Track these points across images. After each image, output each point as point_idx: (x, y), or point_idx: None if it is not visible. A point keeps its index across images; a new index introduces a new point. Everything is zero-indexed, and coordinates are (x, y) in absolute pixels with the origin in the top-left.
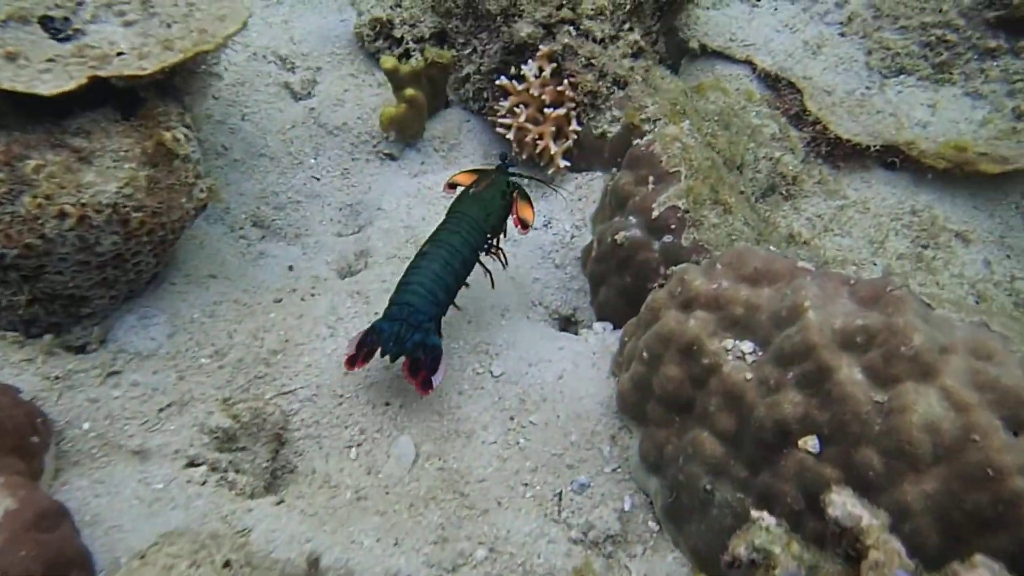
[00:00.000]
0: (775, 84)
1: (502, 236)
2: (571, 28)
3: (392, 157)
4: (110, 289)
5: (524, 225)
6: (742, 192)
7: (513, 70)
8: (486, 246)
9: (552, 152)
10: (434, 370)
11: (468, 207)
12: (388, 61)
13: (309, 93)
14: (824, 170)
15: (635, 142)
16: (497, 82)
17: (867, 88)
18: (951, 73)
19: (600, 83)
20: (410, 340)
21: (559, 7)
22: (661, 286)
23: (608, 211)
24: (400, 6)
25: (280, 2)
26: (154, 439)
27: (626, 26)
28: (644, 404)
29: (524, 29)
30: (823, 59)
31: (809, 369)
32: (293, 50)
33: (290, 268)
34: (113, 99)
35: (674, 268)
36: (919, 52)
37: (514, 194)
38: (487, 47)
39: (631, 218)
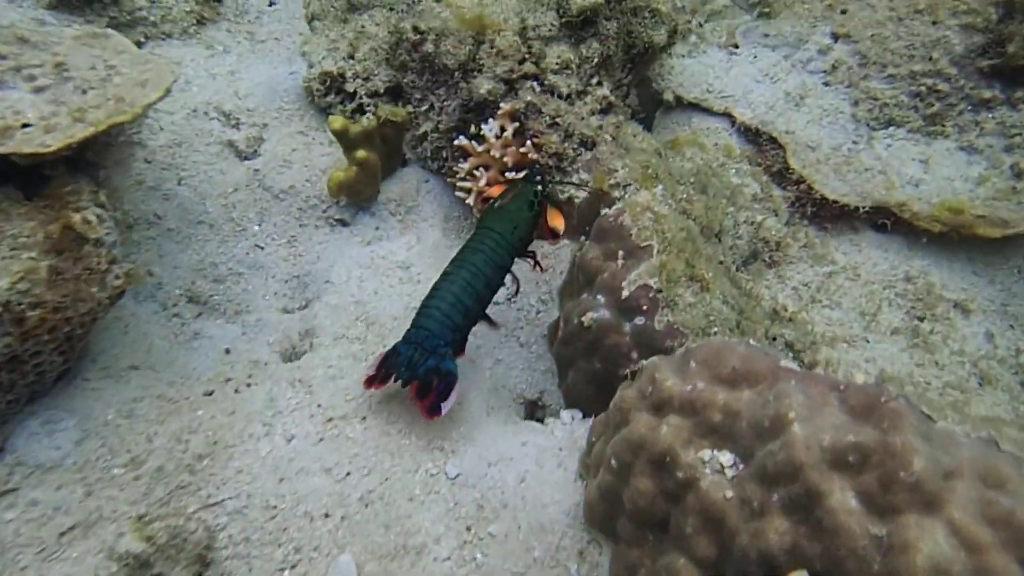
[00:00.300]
0: (756, 138)
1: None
2: (535, 84)
3: (343, 223)
4: (6, 394)
5: (554, 234)
6: (721, 262)
7: (473, 129)
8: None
9: None
10: (445, 396)
11: (493, 221)
12: (336, 121)
13: (255, 152)
14: (810, 232)
15: (603, 212)
16: (456, 142)
17: (854, 142)
18: (944, 125)
19: (566, 144)
20: (423, 365)
21: (521, 61)
22: (633, 374)
23: (576, 286)
24: (353, 58)
25: (227, 51)
26: (52, 570)
27: (594, 80)
28: (614, 518)
29: (484, 85)
30: (806, 111)
31: (797, 492)
32: (238, 105)
33: (227, 351)
34: (15, 176)
35: (644, 363)
36: (909, 103)
37: (543, 203)
38: (445, 104)
39: (599, 297)
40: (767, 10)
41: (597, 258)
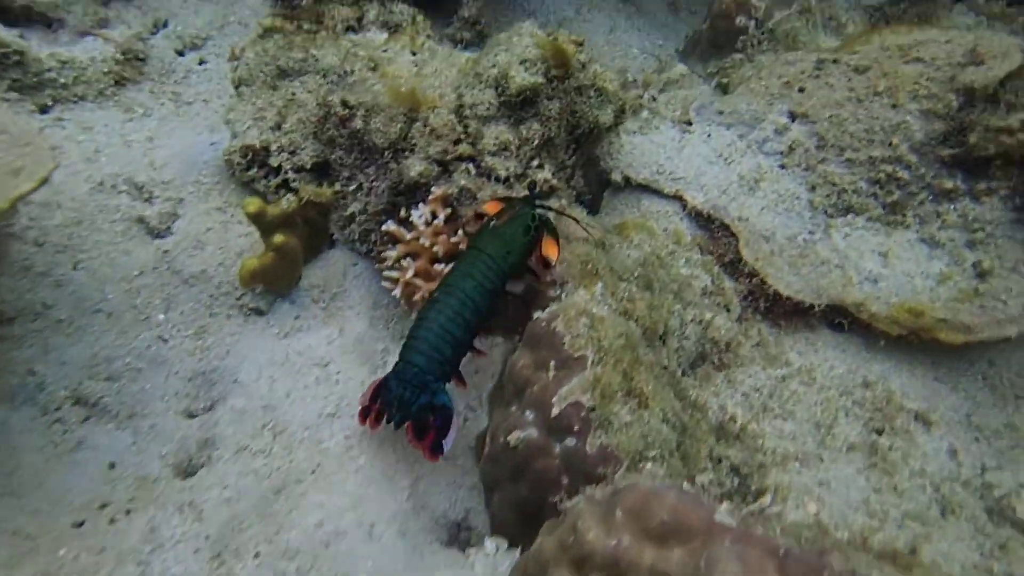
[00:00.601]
0: (708, 224)
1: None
2: (470, 166)
3: (259, 312)
4: None
5: (547, 264)
6: (665, 367)
7: (404, 212)
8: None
9: None
10: (444, 432)
11: (486, 243)
12: (251, 204)
13: (168, 229)
14: (763, 330)
15: (536, 315)
16: (383, 227)
17: (810, 232)
18: (904, 215)
19: None
20: (415, 404)
21: (456, 141)
22: (562, 501)
23: (505, 395)
24: (280, 128)
25: (148, 114)
26: None
27: (535, 162)
28: None
29: (415, 167)
30: (761, 196)
31: None
32: (152, 176)
33: (111, 466)
34: None
35: (568, 504)
36: (868, 190)
37: (539, 229)
38: (374, 184)
39: (527, 413)
40: (725, 80)
41: (527, 367)
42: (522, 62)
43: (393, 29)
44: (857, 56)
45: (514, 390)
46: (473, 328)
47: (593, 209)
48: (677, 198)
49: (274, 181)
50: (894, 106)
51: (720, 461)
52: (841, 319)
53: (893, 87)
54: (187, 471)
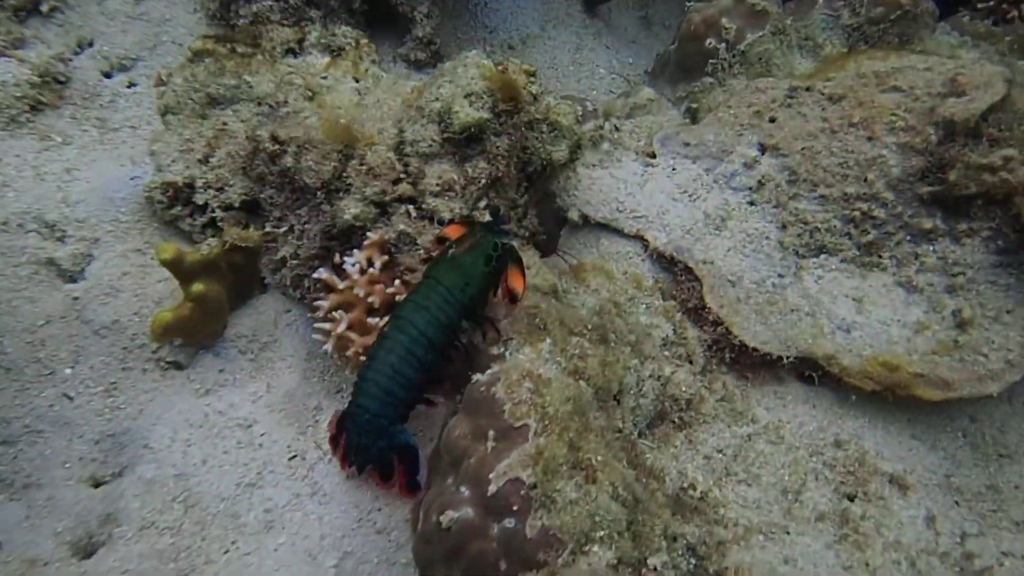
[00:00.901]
0: (671, 267)
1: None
2: (411, 208)
3: (178, 366)
4: None
5: (512, 299)
6: (620, 431)
7: (338, 258)
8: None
9: None
10: (415, 469)
11: (443, 274)
12: (165, 251)
13: (81, 272)
14: (729, 382)
15: (475, 378)
16: (315, 275)
17: (780, 275)
18: (880, 256)
19: None
20: (375, 449)
21: (396, 181)
22: None
23: (442, 465)
24: (208, 163)
25: (67, 142)
26: None
27: (482, 203)
28: None
29: (350, 209)
30: (728, 236)
31: None
32: (65, 214)
33: None
34: None
35: None
36: (842, 228)
37: (502, 259)
38: (306, 226)
39: (463, 489)
40: (695, 106)
41: (464, 436)
42: (467, 95)
43: (336, 52)
44: (831, 84)
45: (450, 461)
46: (428, 365)
47: (549, 250)
48: (639, 238)
49: (200, 220)
50: (870, 139)
51: (676, 539)
52: (812, 371)
53: (869, 118)
54: (86, 550)
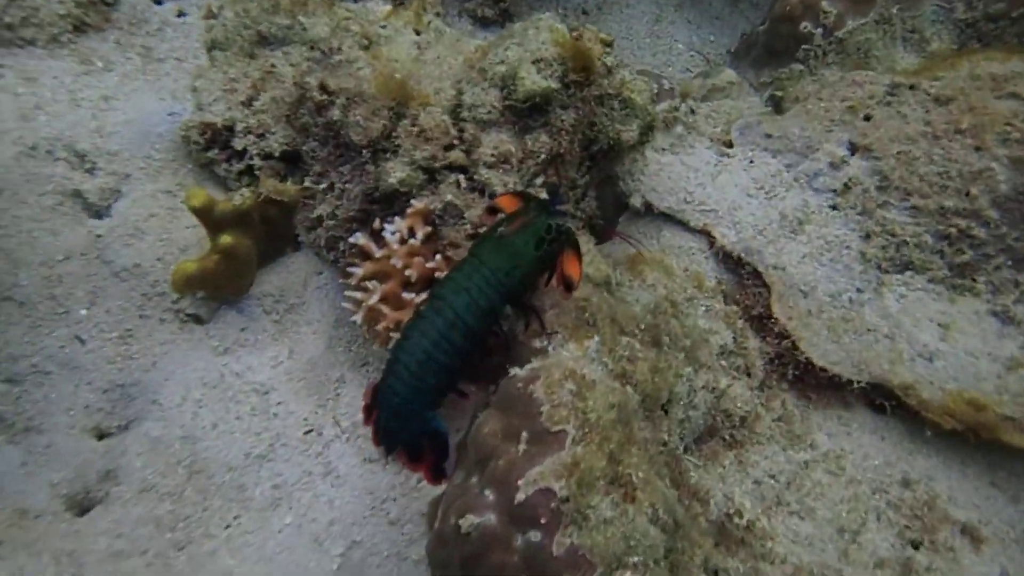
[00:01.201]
0: (737, 269)
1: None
2: (461, 177)
3: (198, 320)
4: None
5: (568, 286)
6: (665, 444)
7: (377, 223)
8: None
9: None
10: (443, 456)
11: (489, 254)
12: (195, 197)
13: (108, 208)
14: (788, 401)
15: (512, 372)
16: (351, 239)
17: (858, 290)
18: (974, 280)
19: None
20: (404, 434)
21: (448, 147)
22: None
23: (467, 461)
24: (251, 106)
25: (109, 69)
26: None
27: (539, 180)
28: None
29: (396, 173)
30: (804, 240)
31: None
32: (98, 145)
33: None
34: None
35: None
36: (933, 245)
37: (557, 242)
38: (348, 186)
39: (487, 493)
40: (780, 94)
41: (495, 434)
42: (535, 61)
43: (398, 0)
44: (939, 83)
45: (477, 458)
46: (464, 353)
47: (606, 235)
48: (705, 233)
49: (237, 166)
50: (978, 149)
51: (716, 574)
52: (884, 400)
53: (979, 126)
54: (82, 506)
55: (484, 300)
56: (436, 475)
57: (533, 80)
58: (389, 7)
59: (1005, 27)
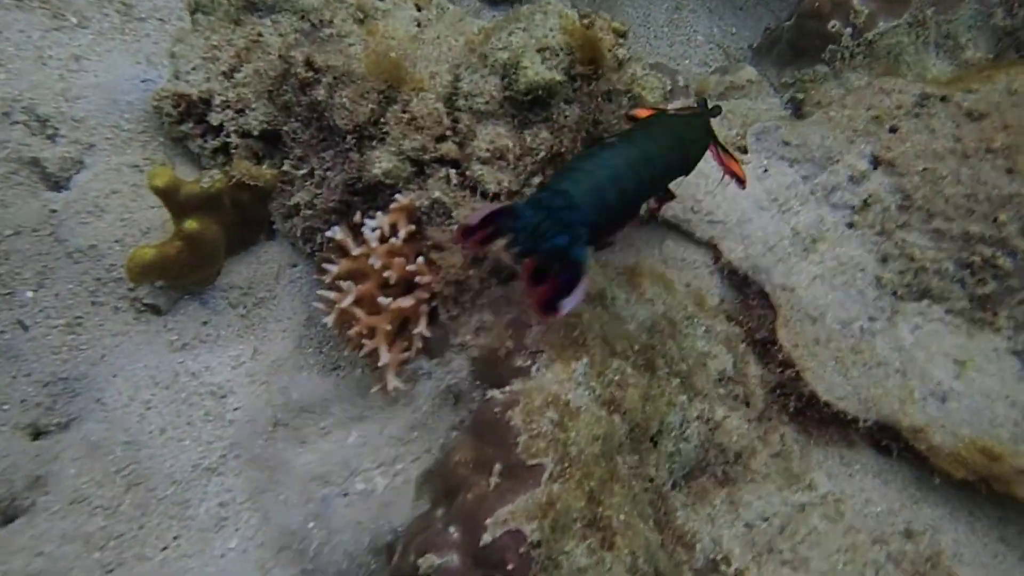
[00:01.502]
0: (743, 287)
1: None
2: (452, 172)
3: (156, 310)
4: None
5: (741, 181)
6: (651, 480)
7: (358, 216)
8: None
9: (383, 361)
10: (568, 291)
11: (670, 123)
12: (159, 176)
13: (68, 180)
14: (788, 436)
15: (489, 395)
16: (328, 232)
17: (871, 318)
18: (995, 314)
19: (472, 271)
20: (551, 241)
21: (440, 138)
22: None
23: (435, 488)
24: (232, 77)
25: (83, 25)
26: None
27: (536, 179)
28: None
29: (382, 163)
30: (817, 260)
31: None
32: (62, 109)
33: None
34: None
35: None
36: (955, 273)
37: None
38: (329, 173)
39: (452, 530)
40: (801, 96)
41: (465, 464)
42: (541, 50)
43: None
44: (973, 97)
45: (444, 488)
46: (641, 195)
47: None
48: (710, 246)
49: (212, 143)
50: (1009, 171)
51: None
52: (891, 441)
53: (1013, 147)
54: (4, 514)
55: (671, 156)
56: (547, 308)
57: (537, 71)
58: None
59: None
